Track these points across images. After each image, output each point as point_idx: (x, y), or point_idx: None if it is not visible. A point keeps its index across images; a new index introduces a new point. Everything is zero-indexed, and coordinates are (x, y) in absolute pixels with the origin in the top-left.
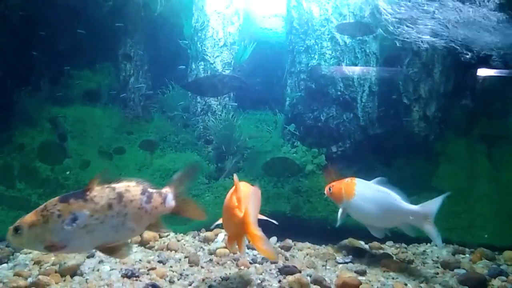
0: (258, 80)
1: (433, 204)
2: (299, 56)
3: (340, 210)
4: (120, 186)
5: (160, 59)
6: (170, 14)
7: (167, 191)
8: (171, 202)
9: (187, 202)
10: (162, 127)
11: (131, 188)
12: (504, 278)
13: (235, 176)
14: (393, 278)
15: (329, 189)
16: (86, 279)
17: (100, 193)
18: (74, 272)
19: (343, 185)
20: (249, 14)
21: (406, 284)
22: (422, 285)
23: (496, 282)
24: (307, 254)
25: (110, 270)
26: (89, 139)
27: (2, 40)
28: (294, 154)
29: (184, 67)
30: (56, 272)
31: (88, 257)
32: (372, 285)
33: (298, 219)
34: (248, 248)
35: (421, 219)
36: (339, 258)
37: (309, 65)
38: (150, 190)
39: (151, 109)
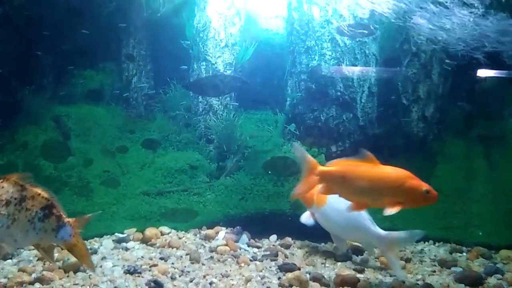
0: (259, 80)
1: (401, 236)
2: (300, 57)
3: (308, 213)
4: (31, 190)
5: (162, 59)
6: (172, 15)
7: (69, 222)
8: (66, 235)
9: (80, 246)
10: (164, 126)
11: (37, 197)
12: (499, 276)
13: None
14: (390, 276)
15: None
16: (89, 275)
17: (7, 188)
18: (77, 268)
19: (316, 191)
20: (250, 15)
21: (403, 282)
22: (419, 282)
23: (492, 280)
24: (306, 252)
25: (113, 266)
26: (92, 138)
27: (6, 40)
28: (293, 153)
29: (186, 67)
30: (59, 268)
31: (91, 253)
32: (370, 282)
33: (298, 218)
34: (248, 246)
35: (385, 246)
36: (338, 256)
37: (310, 65)
38: (54, 210)
39: (153, 108)
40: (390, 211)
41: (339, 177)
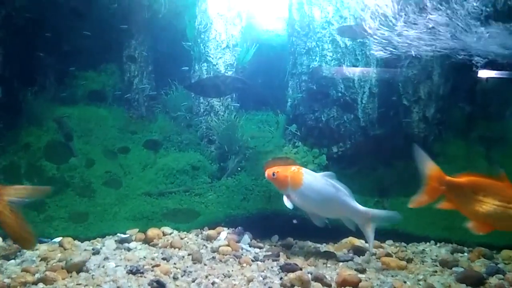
0: (260, 81)
1: (379, 213)
2: (301, 58)
3: (285, 198)
4: None
5: (164, 60)
6: (174, 16)
7: None
8: None
9: (8, 215)
10: (166, 127)
11: None
12: (501, 276)
13: None
14: (392, 276)
15: (273, 174)
16: (92, 275)
17: None
18: (80, 268)
19: (289, 174)
20: (251, 17)
21: (405, 282)
22: (420, 282)
23: (493, 280)
24: (308, 253)
25: (116, 266)
26: (94, 139)
27: (8, 41)
28: (296, 154)
29: (187, 68)
30: (62, 268)
31: (93, 253)
32: (371, 283)
33: (299, 218)
34: (250, 246)
35: (363, 219)
36: (340, 256)
37: (310, 66)
38: None
39: (155, 109)
40: None
41: (469, 192)
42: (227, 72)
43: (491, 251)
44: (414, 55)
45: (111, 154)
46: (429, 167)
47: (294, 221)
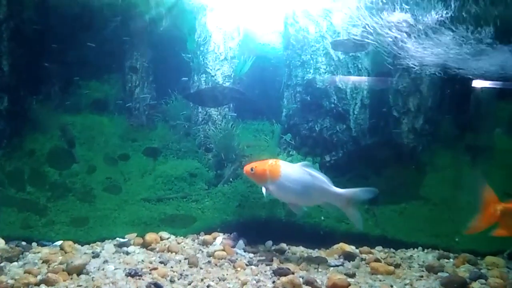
0: (257, 92)
1: (359, 191)
2: (296, 70)
3: (264, 189)
4: None
5: (164, 71)
6: (175, 29)
7: None
8: None
9: None
10: (165, 135)
11: None
12: (483, 281)
13: None
14: (380, 281)
15: (251, 169)
16: (92, 277)
17: None
18: (80, 271)
19: (267, 167)
20: (248, 30)
21: (392, 286)
22: (407, 287)
23: (475, 284)
24: (300, 258)
25: (115, 269)
26: (96, 146)
27: (16, 51)
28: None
29: (186, 79)
30: (63, 270)
31: (93, 257)
32: (360, 287)
33: (293, 225)
34: (244, 251)
35: (344, 202)
36: (331, 261)
37: (305, 78)
38: None
39: (154, 118)
40: None
41: None
42: (225, 83)
43: (476, 257)
44: (403, 69)
45: (112, 161)
46: (486, 193)
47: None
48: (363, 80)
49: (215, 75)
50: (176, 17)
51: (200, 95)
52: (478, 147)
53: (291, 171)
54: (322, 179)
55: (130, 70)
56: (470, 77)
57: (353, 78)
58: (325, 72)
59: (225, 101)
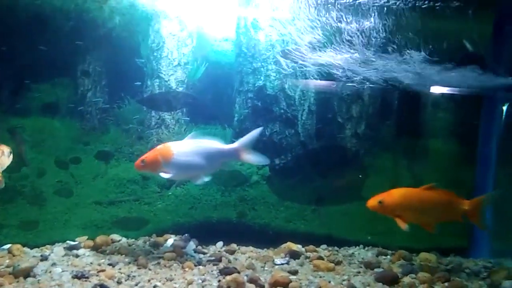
0: (209, 97)
1: (247, 137)
2: (247, 77)
3: (163, 175)
4: None
5: (117, 75)
6: (128, 34)
7: None
8: None
9: None
10: (118, 138)
11: None
12: (413, 275)
13: None
14: (320, 277)
15: (142, 161)
16: (38, 280)
17: None
18: (27, 273)
19: (157, 152)
20: (202, 37)
21: (329, 282)
22: (344, 282)
23: (406, 279)
24: (248, 257)
25: (62, 271)
26: (46, 149)
27: None
28: (241, 166)
29: (140, 83)
30: (10, 273)
31: (41, 260)
32: (300, 283)
33: (243, 225)
34: (195, 252)
35: (239, 154)
36: (277, 260)
37: (256, 85)
38: None
39: (107, 121)
40: None
41: None
42: (178, 88)
43: (411, 254)
44: (347, 79)
45: (63, 164)
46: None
47: None
48: (310, 87)
49: (168, 80)
50: (130, 23)
51: (153, 99)
52: (414, 151)
53: (182, 147)
54: (213, 143)
55: (82, 74)
56: (409, 86)
57: (301, 86)
58: (275, 80)
59: (178, 106)
